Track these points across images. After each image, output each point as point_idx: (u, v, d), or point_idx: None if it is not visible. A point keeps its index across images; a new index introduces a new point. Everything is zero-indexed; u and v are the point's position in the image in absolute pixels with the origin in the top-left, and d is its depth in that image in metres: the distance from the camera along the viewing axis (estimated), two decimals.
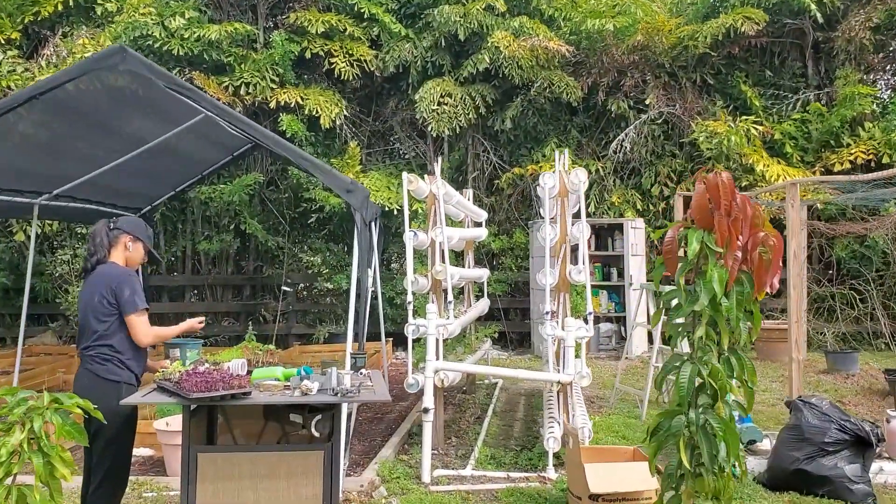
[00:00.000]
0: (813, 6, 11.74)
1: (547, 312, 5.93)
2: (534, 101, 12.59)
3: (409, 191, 6.25)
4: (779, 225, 12.99)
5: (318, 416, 3.93)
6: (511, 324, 12.91)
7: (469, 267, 8.62)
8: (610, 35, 12.37)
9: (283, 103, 12.34)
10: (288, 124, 12.23)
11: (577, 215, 6.48)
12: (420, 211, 11.71)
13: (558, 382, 5.81)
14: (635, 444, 6.92)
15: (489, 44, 12.02)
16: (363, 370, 4.47)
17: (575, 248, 6.50)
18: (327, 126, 12.37)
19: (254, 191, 13.20)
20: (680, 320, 3.67)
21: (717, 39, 12.48)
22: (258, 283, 13.81)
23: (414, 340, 6.21)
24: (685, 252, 3.58)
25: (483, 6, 12.11)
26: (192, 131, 9.19)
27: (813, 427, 5.54)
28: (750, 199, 3.78)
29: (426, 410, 5.63)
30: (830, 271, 12.42)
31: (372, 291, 10.56)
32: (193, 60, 12.59)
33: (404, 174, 6.08)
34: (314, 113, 12.29)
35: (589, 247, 10.04)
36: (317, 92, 12.71)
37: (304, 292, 13.94)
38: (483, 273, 8.85)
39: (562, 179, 6.24)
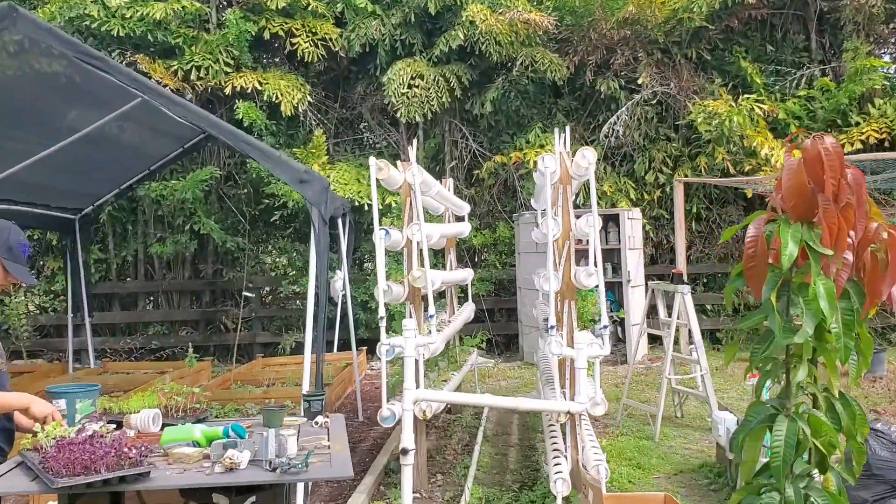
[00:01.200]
0: None
1: (552, 327, 4.81)
2: (515, 82, 11.47)
3: (378, 180, 5.10)
4: None
5: (253, 498, 2.79)
6: (496, 326, 11.82)
7: (451, 268, 7.48)
8: (598, 6, 11.27)
9: (239, 89, 11.11)
10: (245, 112, 11.01)
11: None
12: (394, 205, 10.56)
13: (567, 412, 4.71)
14: (653, 473, 5.88)
15: (463, 18, 10.86)
16: (319, 418, 3.34)
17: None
18: (289, 113, 11.16)
19: (210, 187, 11.98)
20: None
21: (714, 10, 11.44)
22: (218, 288, 12.58)
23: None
24: (775, 256, 2.48)
25: None
26: (133, 119, 7.98)
27: (882, 461, 4.50)
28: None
29: (405, 452, 4.49)
30: None
31: (342, 295, 9.51)
32: (138, 43, 11.32)
33: (371, 159, 4.94)
34: (274, 99, 11.07)
35: (579, 240, 8.93)
36: (277, 76, 11.49)
37: (269, 297, 12.75)
38: (467, 274, 7.73)
39: (563, 162, 5.13)
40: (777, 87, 11.73)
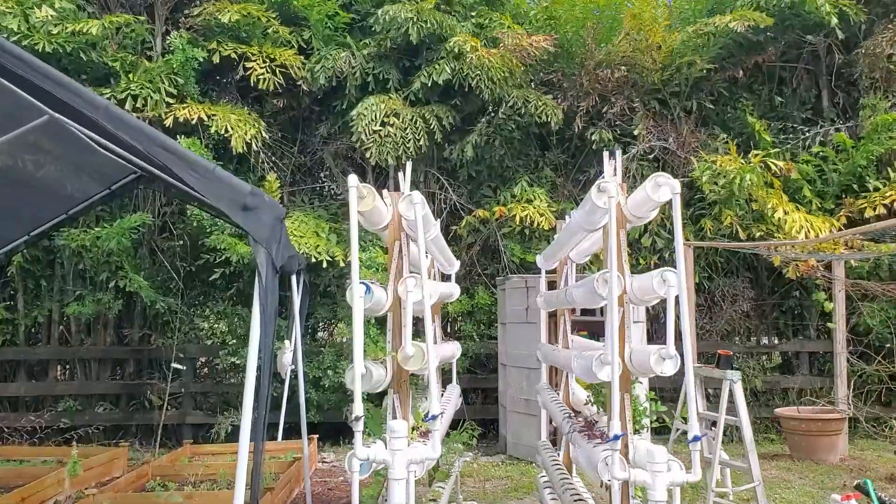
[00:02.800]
0: (833, 18, 9.70)
1: (616, 436, 3.21)
2: (501, 128, 10.09)
3: (359, 213, 3.52)
4: (804, 287, 10.75)
5: None
6: (472, 409, 10.12)
7: (437, 341, 5.86)
8: (590, 38, 10.05)
9: (182, 121, 9.49)
10: (187, 148, 9.35)
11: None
12: (366, 260, 8.95)
13: None
14: None
15: (449, 49, 9.53)
16: None
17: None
18: (240, 150, 9.54)
19: (140, 237, 10.22)
20: None
21: (717, 57, 10.36)
22: (144, 357, 10.66)
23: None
24: None
25: (438, 2, 9.68)
26: (46, 150, 6.36)
27: None
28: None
29: None
30: (865, 339, 10.09)
31: (292, 370, 7.78)
32: (68, 64, 9.68)
33: (351, 178, 3.36)
34: (223, 132, 9.48)
35: (573, 311, 7.28)
36: (227, 109, 9.93)
37: (205, 370, 10.88)
38: (456, 349, 6.12)
39: (621, 195, 3.63)
40: (788, 145, 10.58)
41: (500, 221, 10.08)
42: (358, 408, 3.20)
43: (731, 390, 5.49)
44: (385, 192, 3.89)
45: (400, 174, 4.11)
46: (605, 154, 3.88)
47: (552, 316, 6.99)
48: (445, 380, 7.03)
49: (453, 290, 5.97)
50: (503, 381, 9.35)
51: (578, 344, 5.37)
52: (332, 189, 11.20)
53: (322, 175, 11.32)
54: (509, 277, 9.21)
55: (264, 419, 3.49)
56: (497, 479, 7.89)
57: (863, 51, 10.11)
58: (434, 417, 3.35)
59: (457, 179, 10.60)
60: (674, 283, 3.22)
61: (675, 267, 3.28)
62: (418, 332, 7.57)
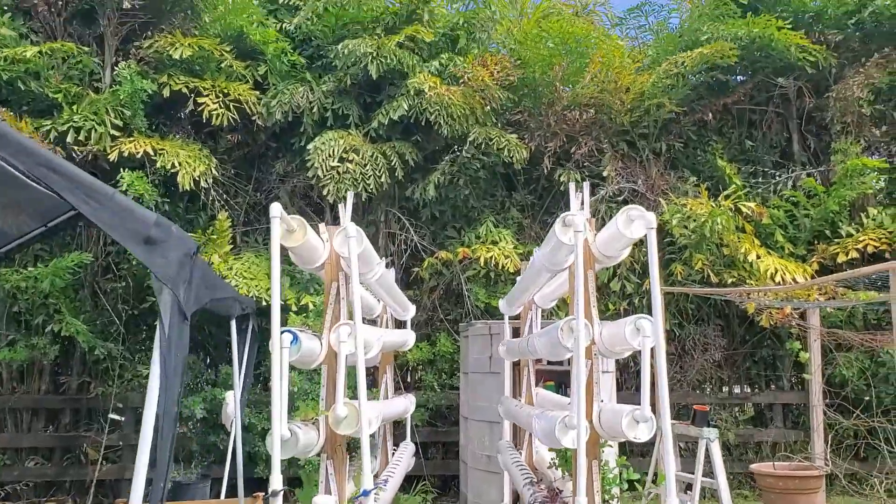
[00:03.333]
0: (804, 62, 9.52)
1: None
2: (466, 167, 9.69)
3: (289, 249, 3.03)
4: (777, 336, 10.40)
5: None
6: (432, 464, 9.52)
7: (387, 395, 5.32)
8: (558, 78, 9.76)
9: (127, 155, 8.96)
10: (130, 183, 8.84)
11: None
12: (313, 306, 8.40)
13: None
14: None
15: (409, 87, 9.15)
16: None
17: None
18: (188, 187, 9.01)
19: (82, 278, 9.58)
20: None
21: (685, 99, 10.14)
22: (82, 407, 9.90)
23: None
24: None
25: (400, 40, 9.29)
26: None
27: None
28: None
29: None
30: (841, 391, 9.70)
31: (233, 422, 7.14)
32: (8, 95, 9.15)
33: (274, 207, 2.87)
34: (171, 168, 8.96)
35: (538, 360, 6.76)
36: (176, 144, 9.43)
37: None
38: (409, 403, 5.58)
39: (589, 231, 3.19)
40: (759, 189, 10.32)
41: (464, 264, 9.63)
42: (276, 481, 2.67)
43: (707, 448, 5.01)
44: (322, 226, 3.40)
45: (340, 206, 3.63)
46: (572, 186, 3.45)
47: (517, 365, 6.50)
48: (400, 435, 6.47)
49: (407, 337, 5.46)
50: (464, 435, 8.75)
51: (543, 398, 4.89)
52: None
53: None
54: (472, 324, 8.71)
55: (164, 487, 2.91)
56: None
57: (834, 94, 9.93)
58: (367, 493, 2.83)
59: (419, 219, 10.15)
60: (649, 333, 2.77)
61: (649, 313, 2.82)
62: (376, 383, 7.05)
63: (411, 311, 5.79)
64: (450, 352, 9.65)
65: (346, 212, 3.55)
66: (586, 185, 3.42)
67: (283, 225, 3.01)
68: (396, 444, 5.78)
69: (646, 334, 2.78)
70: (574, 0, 11.67)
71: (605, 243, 3.15)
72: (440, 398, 9.65)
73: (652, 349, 2.84)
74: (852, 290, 8.61)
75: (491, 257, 9.20)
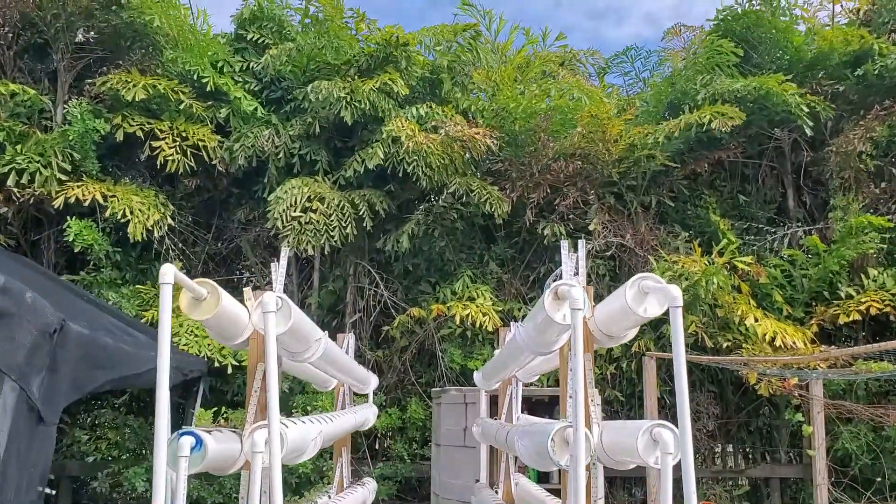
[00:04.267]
0: (803, 115, 8.99)
1: None
2: (442, 217, 9.02)
3: (203, 322, 2.30)
4: (773, 404, 9.70)
5: None
6: None
7: (343, 483, 4.52)
8: (542, 132, 9.17)
9: (74, 202, 8.22)
10: (77, 232, 8.10)
11: None
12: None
13: None
14: None
15: (384, 134, 8.51)
16: None
17: None
18: (139, 238, 8.27)
19: None
20: None
21: (677, 150, 9.57)
22: None
23: None
24: None
25: (376, 86, 8.67)
26: None
27: None
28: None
29: None
30: (847, 469, 8.96)
31: None
32: None
33: (165, 270, 2.13)
34: (122, 217, 8.23)
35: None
36: (130, 190, 8.71)
37: (85, 491, 9.20)
38: (368, 495, 4.76)
39: (590, 298, 2.48)
40: (754, 247, 9.71)
41: (439, 322, 8.89)
42: None
43: None
44: (248, 290, 2.67)
45: (273, 264, 2.91)
46: (564, 245, 2.76)
47: None
48: None
49: (368, 415, 4.69)
50: None
51: (525, 491, 4.12)
52: (251, 281, 9.91)
53: (240, 266, 10.04)
54: (446, 389, 7.93)
55: None
56: None
57: (833, 149, 9.40)
58: None
59: (391, 273, 9.42)
60: (672, 449, 2.04)
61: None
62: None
63: (373, 383, 5.03)
64: (421, 419, 8.84)
65: (277, 274, 2.83)
66: (582, 244, 2.73)
67: (188, 293, 2.28)
68: None
69: (667, 450, 2.06)
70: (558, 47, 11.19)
71: (609, 320, 2.46)
72: (410, 470, 8.83)
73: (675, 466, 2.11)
74: (862, 360, 7.94)
75: (467, 315, 8.46)
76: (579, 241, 2.79)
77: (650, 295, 2.26)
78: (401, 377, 9.19)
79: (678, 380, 2.08)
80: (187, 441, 2.21)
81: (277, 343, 2.51)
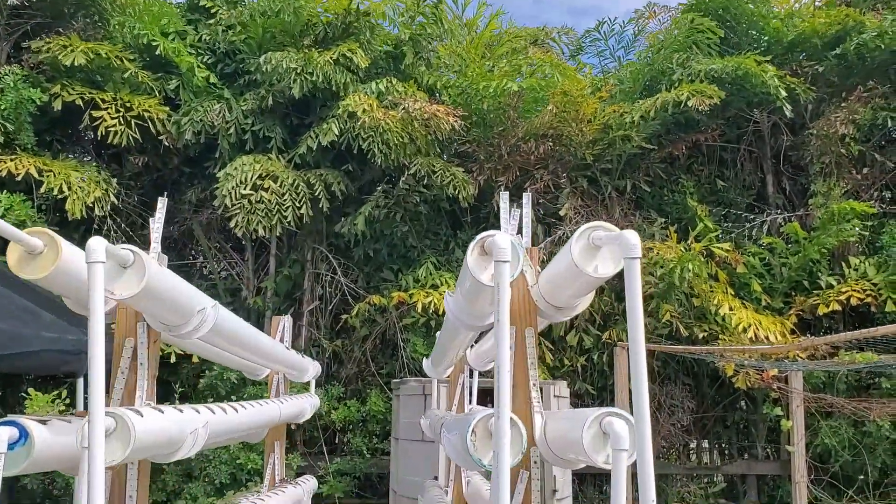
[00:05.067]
0: (781, 92, 8.54)
1: None
2: (405, 200, 8.52)
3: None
4: (750, 398, 9.32)
5: None
6: None
7: (275, 482, 4.01)
8: (512, 110, 8.69)
9: (6, 175, 7.63)
10: (8, 207, 7.51)
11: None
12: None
13: None
14: None
15: (341, 110, 7.98)
16: None
17: None
18: (78, 216, 7.70)
19: None
20: None
21: (653, 132, 9.13)
22: None
23: None
24: None
25: (333, 57, 8.14)
26: None
27: None
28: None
29: None
30: (826, 466, 8.58)
31: None
32: None
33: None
34: (59, 193, 7.65)
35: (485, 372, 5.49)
36: (69, 165, 8.13)
37: None
38: (305, 497, 4.26)
39: (531, 266, 2.01)
40: (732, 234, 9.30)
41: (402, 311, 8.40)
42: None
43: None
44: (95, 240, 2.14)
45: (151, 219, 2.39)
46: (504, 197, 2.27)
47: None
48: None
49: (302, 406, 4.17)
50: None
51: (476, 492, 3.65)
52: (204, 268, 9.36)
53: (193, 251, 9.47)
54: (405, 381, 7.44)
55: None
56: None
57: (814, 132, 9.01)
58: None
59: (351, 259, 8.91)
60: (625, 444, 1.57)
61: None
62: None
63: (311, 370, 4.52)
64: (381, 412, 8.35)
65: (156, 221, 2.30)
66: (527, 196, 2.25)
67: (18, 246, 1.77)
68: None
69: (619, 445, 1.59)
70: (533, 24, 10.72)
71: (554, 287, 1.98)
72: (369, 465, 8.33)
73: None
74: (847, 351, 7.55)
75: (430, 303, 7.97)
76: (524, 193, 2.32)
77: (603, 249, 1.79)
78: (361, 368, 8.70)
79: (633, 344, 1.60)
80: (5, 432, 1.70)
81: (148, 312, 2.01)
